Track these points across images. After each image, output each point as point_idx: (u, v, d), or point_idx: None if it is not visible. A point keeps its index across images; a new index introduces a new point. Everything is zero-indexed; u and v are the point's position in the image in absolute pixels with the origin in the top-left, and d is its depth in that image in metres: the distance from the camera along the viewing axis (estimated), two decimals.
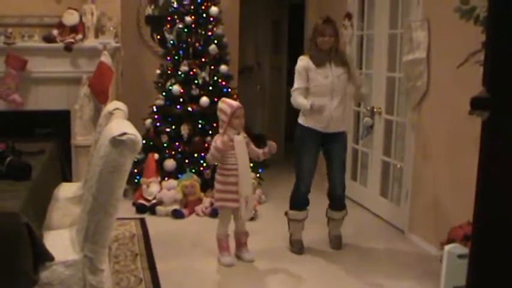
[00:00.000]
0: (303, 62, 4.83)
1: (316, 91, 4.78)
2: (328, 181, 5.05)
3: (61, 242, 3.12)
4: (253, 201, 4.77)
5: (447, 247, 4.05)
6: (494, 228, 1.56)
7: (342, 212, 5.13)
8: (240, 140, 4.60)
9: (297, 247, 5.02)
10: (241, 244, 4.83)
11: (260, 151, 4.75)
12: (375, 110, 5.77)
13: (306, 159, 4.90)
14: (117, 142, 2.81)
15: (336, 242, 5.15)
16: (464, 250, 3.99)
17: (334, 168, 4.98)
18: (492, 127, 1.54)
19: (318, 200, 5.17)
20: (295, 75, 4.86)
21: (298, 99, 4.78)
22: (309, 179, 4.94)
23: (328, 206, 5.14)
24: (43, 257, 2.85)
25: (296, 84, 4.83)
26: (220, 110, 4.66)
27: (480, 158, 1.61)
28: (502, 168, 1.54)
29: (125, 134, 2.82)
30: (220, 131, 4.64)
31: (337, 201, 5.09)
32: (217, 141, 4.55)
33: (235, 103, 4.68)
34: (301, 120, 4.90)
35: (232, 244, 4.83)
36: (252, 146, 4.77)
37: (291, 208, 5.05)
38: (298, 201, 5.01)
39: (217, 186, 4.72)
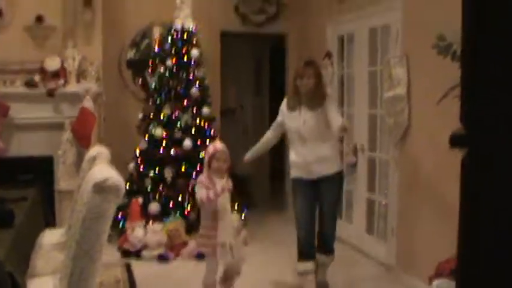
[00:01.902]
0: (282, 104, 4.98)
1: (289, 137, 4.91)
2: (319, 225, 4.97)
3: None
4: (238, 246, 4.56)
5: (435, 282, 4.03)
6: (477, 266, 1.56)
7: (329, 257, 5.01)
8: (223, 185, 4.42)
9: None
10: (230, 279, 4.51)
11: None
12: (357, 147, 5.80)
13: (300, 208, 4.87)
14: (100, 188, 2.78)
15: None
16: (452, 285, 3.97)
17: (324, 214, 4.91)
18: (470, 163, 1.55)
19: None
20: None
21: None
22: (308, 227, 4.85)
23: (317, 249, 5.01)
24: None
25: (274, 123, 5.10)
26: (205, 151, 4.59)
27: (460, 195, 1.62)
28: (482, 205, 1.55)
29: (107, 179, 2.80)
30: (204, 173, 4.49)
31: (325, 246, 4.98)
32: (202, 191, 4.35)
33: (219, 146, 4.51)
34: (290, 173, 5.00)
35: None
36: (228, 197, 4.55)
37: (298, 259, 4.92)
38: (301, 251, 4.90)
39: (200, 230, 4.55)
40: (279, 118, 4.99)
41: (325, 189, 4.86)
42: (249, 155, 5.15)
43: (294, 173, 4.90)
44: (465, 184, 1.60)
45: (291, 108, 4.81)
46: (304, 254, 4.88)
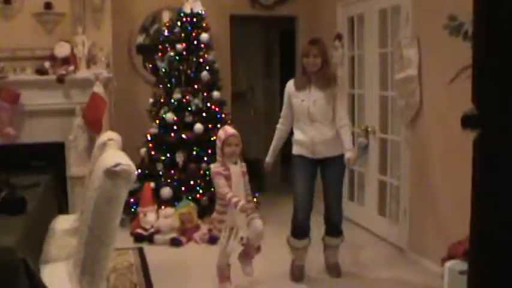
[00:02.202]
0: (287, 87, 4.91)
1: (296, 116, 4.83)
2: (324, 207, 4.98)
3: (58, 276, 3.10)
4: (255, 223, 4.58)
5: (448, 264, 4.03)
6: (489, 247, 1.55)
7: (338, 238, 5.02)
8: (237, 170, 4.47)
9: (296, 275, 4.92)
10: (248, 255, 4.64)
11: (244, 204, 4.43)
12: (369, 129, 5.78)
13: (300, 186, 4.83)
14: (111, 173, 2.79)
15: (335, 271, 5.03)
16: (465, 266, 3.96)
17: (329, 195, 4.91)
18: (482, 144, 1.53)
19: (319, 225, 5.14)
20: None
21: (272, 143, 5.04)
22: (306, 207, 4.82)
23: (325, 232, 5.04)
24: None
25: (282, 112, 4.98)
26: (217, 137, 4.57)
27: (472, 177, 1.60)
28: (494, 187, 1.53)
29: (118, 164, 2.80)
30: (218, 159, 4.50)
31: (333, 228, 4.98)
32: (221, 181, 4.39)
33: (230, 130, 4.52)
34: (293, 148, 4.90)
35: (233, 271, 4.67)
36: (247, 178, 4.60)
37: (292, 235, 4.93)
38: (296, 229, 4.89)
39: (214, 215, 4.60)
40: (285, 106, 4.90)
41: (329, 171, 4.87)
42: (269, 160, 5.04)
43: (297, 150, 4.85)
44: (477, 165, 1.59)
45: (299, 88, 4.78)
46: (301, 233, 4.89)
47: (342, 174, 4.94)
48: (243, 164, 4.60)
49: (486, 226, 1.54)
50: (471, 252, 1.65)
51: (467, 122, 1.63)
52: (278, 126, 4.98)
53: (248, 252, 4.66)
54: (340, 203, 4.95)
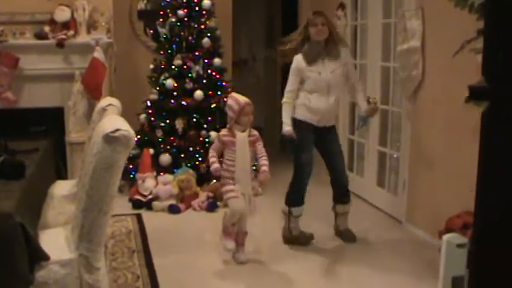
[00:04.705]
0: (295, 62, 4.82)
1: (311, 88, 4.76)
2: (332, 174, 4.99)
3: (56, 241, 3.10)
4: (253, 199, 4.57)
5: (446, 237, 4.03)
6: (495, 223, 1.53)
7: (349, 204, 5.09)
8: (242, 137, 4.43)
9: (304, 240, 4.98)
10: (238, 244, 4.66)
11: (261, 170, 4.53)
12: (370, 100, 5.74)
13: (306, 151, 4.84)
14: (110, 139, 2.78)
15: (350, 235, 5.09)
16: (463, 239, 3.97)
17: (337, 160, 4.96)
18: (491, 116, 1.51)
19: (315, 194, 5.15)
20: (289, 74, 4.87)
21: (283, 114, 4.84)
22: (311, 171, 4.88)
23: (335, 201, 5.08)
24: (38, 256, 2.82)
25: (288, 86, 4.87)
26: (228, 106, 4.50)
27: (480, 150, 1.58)
28: (501, 158, 1.51)
29: (117, 130, 2.79)
30: (228, 126, 4.51)
31: (343, 192, 5.04)
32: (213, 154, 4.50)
33: (243, 99, 4.46)
34: (296, 114, 4.85)
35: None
36: (260, 145, 4.56)
37: (292, 204, 4.94)
38: (300, 197, 4.93)
39: (224, 173, 4.53)
40: (294, 81, 4.81)
41: (332, 138, 4.94)
42: (289, 128, 4.79)
43: (304, 116, 4.81)
44: (485, 137, 1.57)
45: (311, 61, 4.73)
46: (300, 200, 4.94)
47: (339, 141, 5.07)
48: (255, 131, 4.57)
49: (493, 196, 1.53)
50: (476, 219, 1.64)
51: (475, 93, 1.60)
52: (285, 100, 4.84)
53: (237, 240, 4.66)
54: (346, 170, 5.08)
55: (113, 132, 2.78)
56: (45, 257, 2.84)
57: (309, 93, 4.77)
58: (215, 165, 4.43)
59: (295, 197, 4.95)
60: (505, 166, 1.51)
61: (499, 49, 1.47)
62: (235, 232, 4.63)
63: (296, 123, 4.83)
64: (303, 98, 4.80)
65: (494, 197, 1.54)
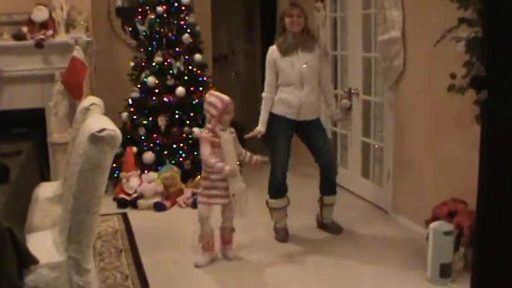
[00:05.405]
0: (270, 53, 4.85)
1: (286, 81, 4.78)
2: (321, 166, 4.99)
3: (44, 244, 3.07)
4: (246, 198, 4.49)
5: (432, 225, 4.07)
6: (497, 208, 1.55)
7: (335, 195, 5.10)
8: (227, 137, 4.32)
9: (282, 235, 4.97)
10: (225, 241, 4.62)
11: (250, 155, 4.57)
12: (352, 91, 5.76)
13: (282, 146, 4.86)
14: (97, 139, 2.75)
15: (336, 227, 5.13)
16: (450, 227, 4.01)
17: (325, 153, 4.95)
18: (490, 105, 1.51)
19: (300, 186, 5.15)
20: (266, 66, 4.89)
21: (261, 112, 4.87)
22: (285, 166, 4.89)
23: (322, 192, 5.09)
24: (27, 260, 2.79)
25: (266, 80, 4.87)
26: (209, 104, 4.35)
27: (480, 136, 1.59)
28: (500, 147, 1.52)
29: (103, 130, 2.76)
30: (208, 125, 4.35)
31: (332, 184, 5.05)
32: (206, 149, 4.30)
33: (226, 98, 4.36)
34: (272, 109, 4.85)
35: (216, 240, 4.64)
36: (238, 142, 4.49)
37: (271, 197, 4.98)
38: (277, 189, 4.95)
39: (203, 182, 4.47)
40: (271, 74, 4.82)
41: (317, 132, 4.94)
42: (263, 129, 4.83)
43: (281, 110, 4.81)
44: (485, 125, 1.58)
45: (286, 52, 4.74)
46: (280, 192, 4.96)
47: (326, 133, 5.14)
48: (232, 129, 4.46)
49: (493, 183, 1.54)
50: (478, 213, 1.65)
51: (476, 82, 1.61)
52: (265, 95, 4.85)
53: (224, 237, 4.63)
54: (335, 161, 5.16)
55: (99, 132, 2.75)
56: (34, 261, 2.81)
57: (284, 86, 4.79)
58: (219, 164, 4.23)
59: (270, 189, 4.99)
60: (502, 153, 1.52)
61: (497, 40, 1.48)
62: (223, 228, 4.61)
63: (272, 117, 4.85)
64: (279, 93, 4.83)
65: (494, 184, 1.55)
